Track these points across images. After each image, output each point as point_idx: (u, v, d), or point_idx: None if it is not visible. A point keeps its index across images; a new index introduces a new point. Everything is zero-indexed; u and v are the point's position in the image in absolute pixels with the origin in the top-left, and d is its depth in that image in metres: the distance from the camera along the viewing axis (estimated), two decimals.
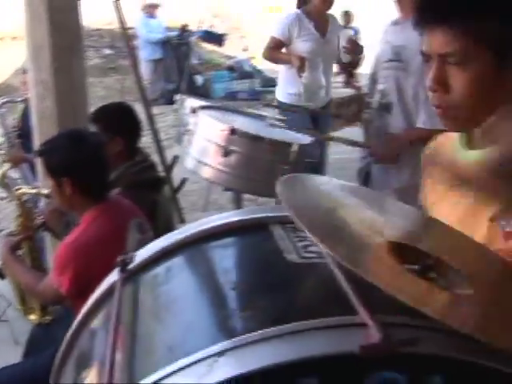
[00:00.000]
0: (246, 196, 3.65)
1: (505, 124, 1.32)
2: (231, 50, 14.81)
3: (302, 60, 4.17)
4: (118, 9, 6.31)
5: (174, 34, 12.25)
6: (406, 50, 2.85)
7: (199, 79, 11.81)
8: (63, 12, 4.63)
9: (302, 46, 4.40)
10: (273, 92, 11.75)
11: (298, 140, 2.97)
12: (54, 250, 3.18)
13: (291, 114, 3.97)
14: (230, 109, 3.50)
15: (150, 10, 11.45)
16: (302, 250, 1.11)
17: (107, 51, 13.51)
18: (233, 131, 2.86)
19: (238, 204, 3.24)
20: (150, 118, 5.26)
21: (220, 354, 0.80)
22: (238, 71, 12.10)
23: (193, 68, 11.92)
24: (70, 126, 4.36)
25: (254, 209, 1.33)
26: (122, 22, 6.45)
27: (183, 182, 4.64)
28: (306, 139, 3.00)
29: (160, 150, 5.06)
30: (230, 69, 12.42)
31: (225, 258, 1.19)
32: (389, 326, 0.81)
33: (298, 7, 4.99)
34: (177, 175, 4.88)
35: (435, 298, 0.92)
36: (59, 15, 4.59)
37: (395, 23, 3.06)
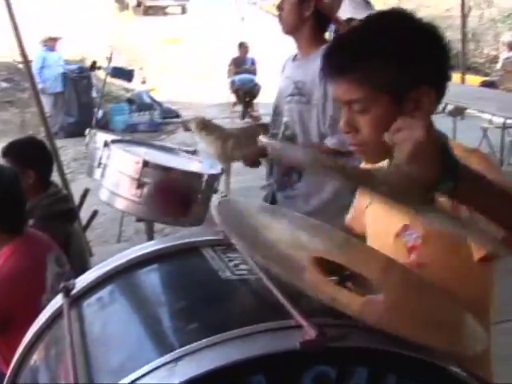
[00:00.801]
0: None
1: None
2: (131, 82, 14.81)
3: None
4: (19, 40, 6.28)
5: (74, 67, 12.19)
6: (306, 85, 3.03)
7: (99, 112, 11.75)
8: None
9: None
10: (173, 123, 11.82)
11: (208, 170, 3.08)
12: None
13: None
14: (141, 142, 3.59)
15: (50, 43, 11.36)
16: (234, 268, 1.25)
17: (4, 84, 13.27)
18: (145, 163, 2.95)
19: (150, 234, 3.33)
20: (55, 151, 5.26)
21: (178, 359, 0.92)
22: (138, 103, 12.11)
23: (92, 101, 11.87)
24: None
25: (184, 234, 1.44)
26: (23, 54, 6.42)
27: (94, 214, 4.68)
28: (216, 169, 3.12)
29: (65, 183, 5.07)
30: (130, 101, 12.42)
31: (165, 279, 1.30)
32: (321, 326, 0.95)
33: None
34: (86, 208, 4.90)
35: (354, 301, 1.08)
36: None
37: (294, 59, 3.23)
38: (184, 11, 22.64)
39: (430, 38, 1.45)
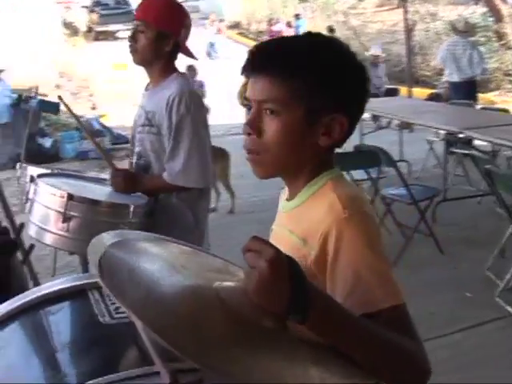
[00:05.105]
0: None
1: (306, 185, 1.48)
2: (80, 109, 14.73)
3: None
4: None
5: (22, 96, 12.08)
6: (155, 115, 3.07)
7: (47, 141, 11.66)
8: None
9: None
10: (124, 149, 11.76)
11: (135, 201, 3.07)
12: None
13: None
14: (71, 174, 3.55)
15: None
16: (114, 311, 1.24)
17: None
18: (70, 197, 2.93)
19: (85, 266, 3.30)
20: None
21: None
22: (87, 130, 12.00)
23: (40, 131, 11.77)
24: None
25: (76, 276, 1.43)
26: None
27: (31, 247, 4.60)
28: (143, 200, 3.11)
29: (9, 216, 5.00)
30: (80, 128, 12.33)
31: (46, 326, 1.28)
32: (176, 372, 0.95)
33: None
34: (26, 242, 4.84)
35: None
36: None
37: (147, 88, 3.26)
38: None
39: (357, 71, 1.46)
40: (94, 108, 14.06)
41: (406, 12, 11.01)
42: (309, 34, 1.50)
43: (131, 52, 3.10)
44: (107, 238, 1.25)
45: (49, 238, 3.06)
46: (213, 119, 11.60)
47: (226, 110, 13.33)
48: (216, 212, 7.50)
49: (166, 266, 1.24)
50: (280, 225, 1.56)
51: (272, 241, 1.40)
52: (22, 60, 14.90)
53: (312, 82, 1.40)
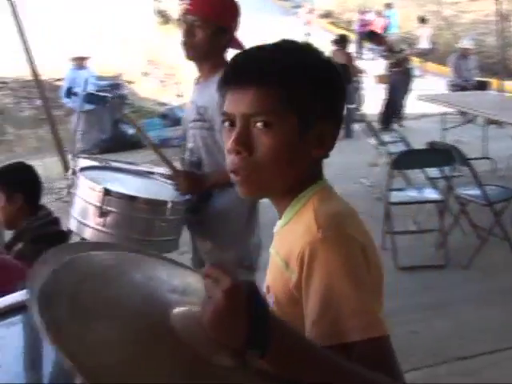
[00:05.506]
0: None
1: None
2: (166, 96, 14.88)
3: None
4: (30, 60, 6.36)
5: (107, 83, 12.27)
6: (208, 110, 2.94)
7: (130, 129, 11.81)
8: None
9: None
10: None
11: (174, 197, 3.00)
12: None
13: None
14: (118, 167, 3.50)
15: (79, 62, 11.46)
16: None
17: (39, 102, 13.44)
18: (107, 192, 2.88)
19: None
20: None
21: None
22: (170, 118, 12.11)
23: (124, 117, 11.94)
24: None
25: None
26: (35, 73, 6.49)
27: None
28: (181, 196, 3.03)
29: None
30: (163, 116, 12.45)
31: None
32: None
33: None
34: None
35: None
36: None
37: (197, 82, 3.14)
38: None
39: (337, 74, 1.37)
40: (179, 96, 14.14)
41: (498, 1, 10.54)
42: (285, 41, 1.38)
43: (185, 47, 3.01)
44: (53, 258, 1.14)
45: (87, 233, 3.03)
46: None
47: None
48: None
49: (114, 290, 1.13)
50: (272, 246, 1.45)
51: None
52: (111, 48, 15.16)
53: (304, 88, 1.29)
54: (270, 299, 1.34)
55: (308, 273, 1.22)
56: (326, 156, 1.36)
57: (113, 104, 11.93)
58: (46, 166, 8.06)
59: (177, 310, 1.13)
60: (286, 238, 1.34)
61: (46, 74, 13.72)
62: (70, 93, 9.13)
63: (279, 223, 1.40)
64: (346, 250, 1.23)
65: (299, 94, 1.28)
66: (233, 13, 3.09)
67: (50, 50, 13.70)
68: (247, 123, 1.28)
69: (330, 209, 1.31)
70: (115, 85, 12.47)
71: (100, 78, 12.26)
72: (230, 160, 1.31)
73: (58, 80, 12.93)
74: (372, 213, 6.36)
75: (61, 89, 11.69)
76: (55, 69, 12.94)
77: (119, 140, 11.56)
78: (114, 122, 11.81)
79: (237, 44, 3.11)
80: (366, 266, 1.24)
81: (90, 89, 11.39)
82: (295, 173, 1.33)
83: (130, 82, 14.52)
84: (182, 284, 1.24)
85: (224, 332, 1.01)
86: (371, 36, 13.92)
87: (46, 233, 3.28)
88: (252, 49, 1.37)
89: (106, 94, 10.19)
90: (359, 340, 1.16)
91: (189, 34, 2.99)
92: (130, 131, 11.76)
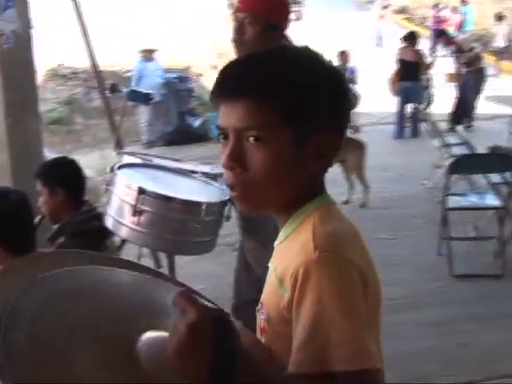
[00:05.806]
0: None
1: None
2: None
3: None
4: (90, 52, 6.42)
5: (174, 75, 12.37)
6: None
7: (196, 121, 11.86)
8: (17, 68, 4.72)
9: None
10: None
11: (209, 198, 2.95)
12: None
13: None
14: (161, 166, 3.47)
15: (147, 54, 11.59)
16: None
17: (107, 93, 13.64)
18: (142, 191, 2.85)
19: (156, 261, 3.23)
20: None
21: None
22: None
23: (190, 110, 12.00)
24: (23, 179, 4.44)
25: None
26: (94, 65, 6.56)
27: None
28: (216, 197, 2.98)
29: None
30: None
31: None
32: None
33: None
34: None
35: None
36: (13, 72, 4.69)
37: None
38: (299, 17, 22.65)
39: (338, 82, 1.29)
40: None
41: None
42: (279, 49, 1.35)
43: (236, 44, 2.99)
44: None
45: (123, 231, 3.02)
46: (365, 107, 11.49)
47: (381, 98, 12.88)
48: (348, 204, 7.28)
49: (85, 309, 1.08)
50: (271, 261, 1.37)
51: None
52: (181, 41, 15.26)
53: (298, 98, 1.21)
54: (262, 316, 1.28)
55: (300, 294, 1.15)
56: (329, 165, 1.29)
57: (179, 96, 12.02)
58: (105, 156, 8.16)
59: (148, 335, 1.07)
60: (284, 255, 1.27)
61: (117, 65, 13.97)
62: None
63: (280, 237, 1.33)
64: (341, 273, 1.15)
65: (292, 105, 1.20)
66: (283, 10, 3.08)
67: (123, 43, 13.90)
68: (240, 137, 1.21)
69: (330, 228, 1.22)
70: (182, 77, 12.54)
71: (167, 71, 12.36)
72: (226, 175, 1.26)
73: (128, 71, 13.10)
74: (431, 216, 6.21)
75: (130, 80, 11.84)
76: (127, 61, 13.12)
77: (184, 132, 11.61)
78: (179, 114, 11.87)
79: (287, 41, 3.06)
80: (362, 292, 1.16)
81: (157, 81, 11.53)
82: (293, 187, 1.26)
83: (198, 75, 14.57)
84: (160, 305, 1.17)
85: (186, 365, 0.95)
86: (439, 36, 13.66)
87: (87, 228, 3.26)
88: (242, 58, 1.31)
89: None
90: (344, 371, 1.08)
91: (239, 31, 2.97)
92: (196, 123, 11.82)
